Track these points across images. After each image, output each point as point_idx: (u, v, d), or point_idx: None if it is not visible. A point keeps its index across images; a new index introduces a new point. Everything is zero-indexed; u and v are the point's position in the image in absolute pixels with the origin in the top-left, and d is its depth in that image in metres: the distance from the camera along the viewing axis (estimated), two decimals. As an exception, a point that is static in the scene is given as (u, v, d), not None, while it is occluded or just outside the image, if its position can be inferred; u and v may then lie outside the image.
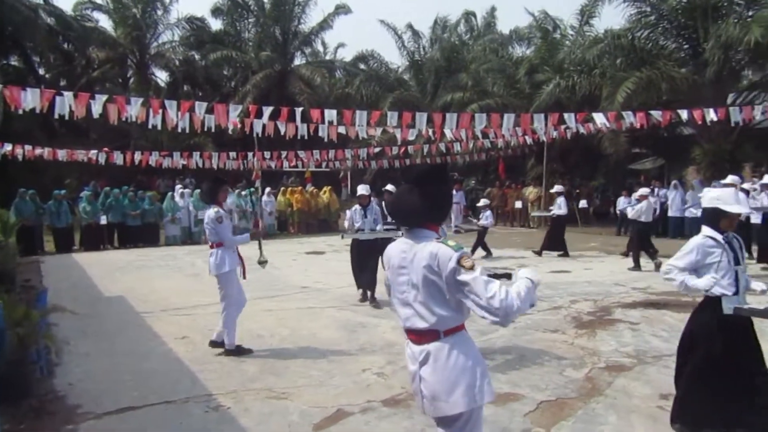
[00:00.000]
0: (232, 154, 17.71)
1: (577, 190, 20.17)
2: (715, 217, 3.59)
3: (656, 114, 11.46)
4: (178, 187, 18.27)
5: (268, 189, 18.66)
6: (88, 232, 14.91)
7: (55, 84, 22.34)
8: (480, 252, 12.16)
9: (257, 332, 6.37)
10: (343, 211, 17.56)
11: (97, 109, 8.30)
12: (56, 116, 8.26)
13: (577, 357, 5.33)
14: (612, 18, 36.52)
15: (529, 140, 16.45)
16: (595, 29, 20.60)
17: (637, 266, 10.38)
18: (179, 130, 10.47)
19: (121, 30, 26.14)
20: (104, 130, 20.20)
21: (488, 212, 12.34)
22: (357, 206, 8.12)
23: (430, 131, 13.25)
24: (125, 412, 4.22)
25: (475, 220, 12.71)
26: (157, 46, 27.25)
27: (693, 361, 3.61)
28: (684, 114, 11.20)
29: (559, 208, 12.41)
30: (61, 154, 15.05)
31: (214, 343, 5.61)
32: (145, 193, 16.58)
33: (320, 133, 11.43)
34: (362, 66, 29.71)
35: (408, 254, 2.37)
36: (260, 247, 5.88)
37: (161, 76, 28.91)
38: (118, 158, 15.83)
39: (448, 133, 12.92)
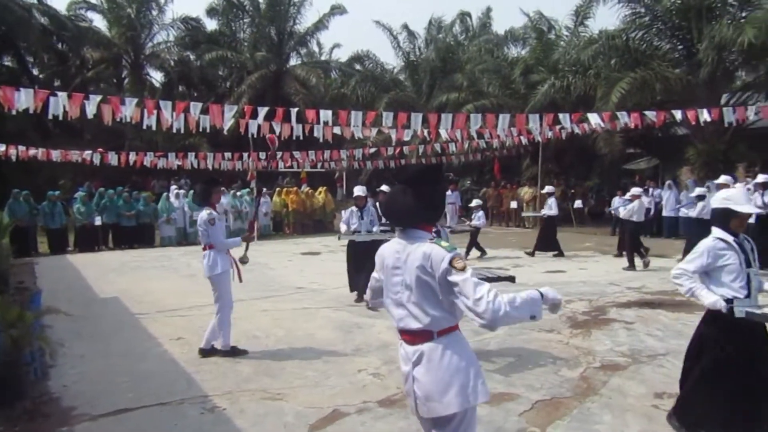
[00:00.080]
0: (228, 154, 17.68)
1: (572, 190, 20.22)
2: (725, 217, 3.51)
3: (650, 114, 11.53)
4: (173, 187, 18.22)
5: (264, 189, 18.64)
6: (83, 233, 14.84)
7: (49, 84, 22.24)
8: (475, 252, 12.17)
9: (252, 333, 6.36)
10: (338, 212, 17.56)
11: (91, 110, 8.27)
12: (50, 116, 8.23)
13: (572, 356, 5.35)
14: (606, 19, 36.79)
15: (524, 140, 16.51)
16: (590, 30, 20.72)
17: (631, 266, 10.43)
18: (174, 130, 10.43)
19: (115, 30, 26.03)
20: (99, 131, 20.13)
21: (480, 212, 12.35)
22: (353, 207, 8.09)
23: (426, 132, 13.28)
24: (120, 414, 4.21)
25: (467, 221, 12.71)
26: (152, 46, 27.15)
27: (701, 363, 3.55)
28: (678, 114, 11.26)
29: (550, 208, 12.46)
30: (55, 155, 14.99)
31: (204, 352, 5.55)
32: (140, 194, 16.51)
33: (315, 134, 11.43)
34: (358, 66, 29.72)
35: (402, 255, 2.37)
36: (246, 247, 5.82)
37: (156, 77, 28.88)
38: (112, 159, 15.78)
39: (444, 134, 12.93)
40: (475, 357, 2.42)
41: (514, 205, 19.91)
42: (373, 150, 19.21)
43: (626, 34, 16.88)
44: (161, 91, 26.63)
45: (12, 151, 13.97)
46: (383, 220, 7.94)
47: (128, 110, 8.78)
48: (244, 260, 5.76)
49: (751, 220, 10.35)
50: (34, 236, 14.39)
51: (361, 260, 7.71)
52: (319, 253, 13.84)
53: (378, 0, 50.13)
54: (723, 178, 10.98)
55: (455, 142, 17.25)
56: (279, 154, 17.69)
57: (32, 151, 14.60)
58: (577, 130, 14.04)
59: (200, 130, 10.47)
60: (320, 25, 28.47)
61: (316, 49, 32.51)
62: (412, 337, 2.37)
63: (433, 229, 4.99)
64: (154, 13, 26.75)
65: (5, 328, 4.26)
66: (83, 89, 19.41)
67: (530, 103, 18.81)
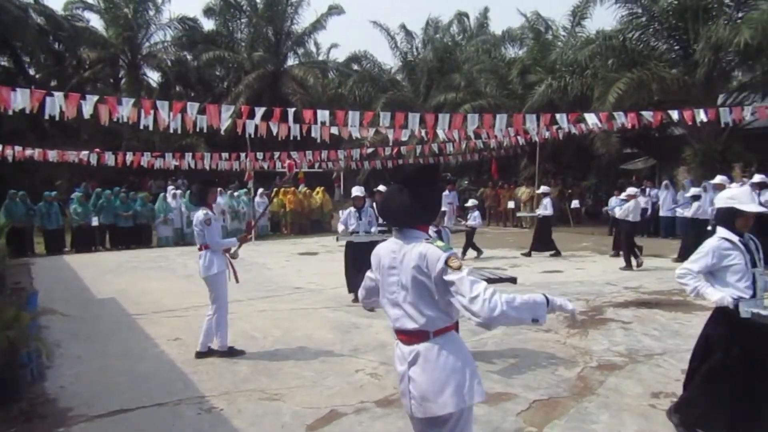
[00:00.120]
0: (225, 154, 17.65)
1: (570, 190, 20.26)
2: (730, 217, 3.46)
3: (647, 114, 11.55)
4: (170, 188, 18.18)
5: (260, 190, 18.63)
6: (80, 233, 14.81)
7: (45, 84, 22.14)
8: (471, 253, 12.17)
9: (250, 333, 6.36)
10: (336, 212, 17.55)
11: (88, 110, 8.24)
12: (47, 117, 8.20)
13: (570, 356, 5.36)
14: (603, 19, 36.82)
15: (521, 140, 16.53)
16: (587, 30, 20.76)
17: (628, 266, 10.45)
18: (171, 130, 10.42)
19: (112, 30, 25.97)
20: (95, 131, 20.06)
21: (476, 212, 12.34)
22: (351, 208, 8.07)
23: (423, 132, 13.27)
24: (117, 415, 4.20)
25: (463, 221, 12.70)
26: (149, 46, 27.11)
27: (708, 363, 3.50)
28: (675, 114, 11.29)
29: (545, 208, 12.49)
30: (52, 155, 14.95)
31: (200, 354, 5.53)
32: (137, 194, 16.49)
33: (313, 134, 11.42)
34: (355, 66, 29.72)
35: (398, 255, 2.37)
36: (239, 245, 5.79)
37: (153, 77, 28.85)
38: (109, 159, 15.73)
39: (441, 134, 12.93)
40: (471, 357, 2.42)
41: (511, 205, 19.94)
42: (370, 150, 19.19)
43: (623, 35, 16.92)
44: (158, 91, 26.60)
45: (8, 152, 13.91)
46: (380, 220, 7.94)
47: (125, 110, 8.75)
48: (234, 255, 5.73)
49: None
50: (30, 237, 14.34)
51: (359, 261, 7.69)
52: (317, 254, 13.83)
53: (376, 0, 50.15)
54: (719, 179, 11.02)
55: (453, 142, 17.25)
56: (276, 154, 17.68)
57: (29, 152, 14.56)
58: (574, 131, 14.07)
59: (197, 130, 10.43)
60: (318, 25, 28.48)
61: (313, 49, 32.52)
62: (408, 337, 2.37)
63: (434, 230, 5.01)
64: (151, 13, 26.77)
65: (2, 329, 4.24)
66: (80, 89, 19.36)
67: (527, 103, 18.83)
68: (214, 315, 5.52)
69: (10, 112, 7.91)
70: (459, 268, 2.20)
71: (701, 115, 10.86)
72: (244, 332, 6.31)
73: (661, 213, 15.48)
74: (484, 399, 2.44)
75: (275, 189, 16.69)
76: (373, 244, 2.62)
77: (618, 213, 11.14)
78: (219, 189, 16.20)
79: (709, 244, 3.48)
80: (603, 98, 15.58)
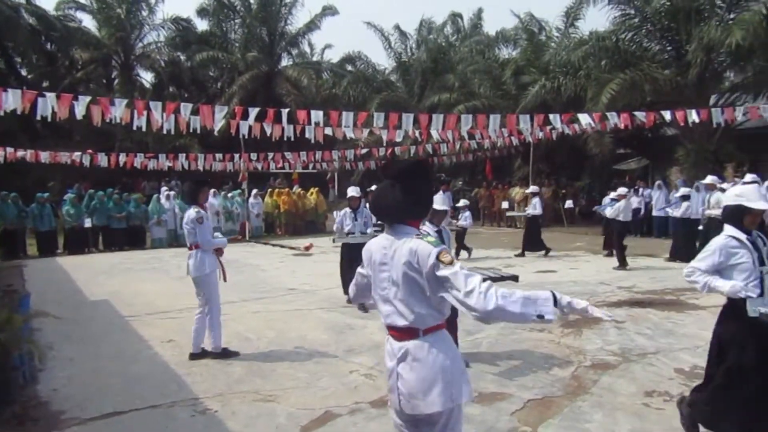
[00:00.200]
0: (218, 155, 17.61)
1: (563, 191, 20.33)
2: (738, 214, 3.39)
3: (640, 115, 11.64)
4: (163, 189, 18.12)
5: (255, 191, 18.61)
6: (72, 235, 14.72)
7: (37, 85, 21.99)
8: (464, 254, 12.18)
9: (244, 334, 6.34)
10: (330, 213, 17.54)
11: (80, 111, 8.22)
12: (39, 117, 8.17)
13: (564, 356, 5.38)
14: (596, 20, 36.97)
15: (515, 141, 16.61)
16: (580, 31, 20.87)
17: (622, 265, 10.49)
18: (164, 131, 10.39)
19: (105, 30, 25.85)
20: (88, 132, 19.96)
21: (467, 213, 12.33)
22: (347, 209, 8.05)
23: (417, 132, 13.30)
24: (110, 418, 4.18)
25: (454, 221, 12.70)
26: (142, 46, 27.01)
27: (725, 365, 3.40)
28: (667, 115, 11.38)
29: (534, 208, 12.54)
30: (44, 156, 14.89)
31: (194, 356, 5.50)
32: (131, 196, 16.41)
33: (307, 135, 11.42)
34: (349, 67, 29.71)
35: (389, 251, 2.36)
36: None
37: (146, 78, 28.75)
38: (102, 160, 15.68)
39: (435, 134, 12.96)
40: (460, 357, 2.42)
41: (505, 205, 19.99)
42: (364, 151, 19.21)
43: (616, 36, 17.01)
44: (151, 91, 26.50)
45: (0, 153, 13.83)
46: (374, 219, 7.92)
47: (118, 111, 8.74)
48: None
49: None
50: (23, 238, 14.26)
51: (355, 262, 7.64)
52: (311, 254, 13.81)
53: (370, 1, 50.17)
54: (709, 179, 11.10)
55: (447, 143, 17.29)
56: (270, 155, 17.67)
57: (21, 153, 14.49)
58: (567, 131, 14.16)
59: (191, 131, 10.44)
60: (312, 25, 28.47)
61: (307, 49, 32.53)
62: (398, 333, 2.36)
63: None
64: (145, 13, 26.70)
65: (-7, 331, 4.22)
66: (72, 90, 19.23)
67: (521, 103, 18.89)
68: (207, 315, 5.50)
69: (2, 113, 7.87)
70: (451, 263, 2.18)
71: (693, 116, 10.96)
72: (238, 333, 6.30)
73: (654, 213, 15.57)
74: (472, 399, 2.43)
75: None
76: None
77: (609, 212, 11.19)
78: (213, 190, 16.23)
79: (716, 242, 3.41)
80: (596, 99, 15.66)
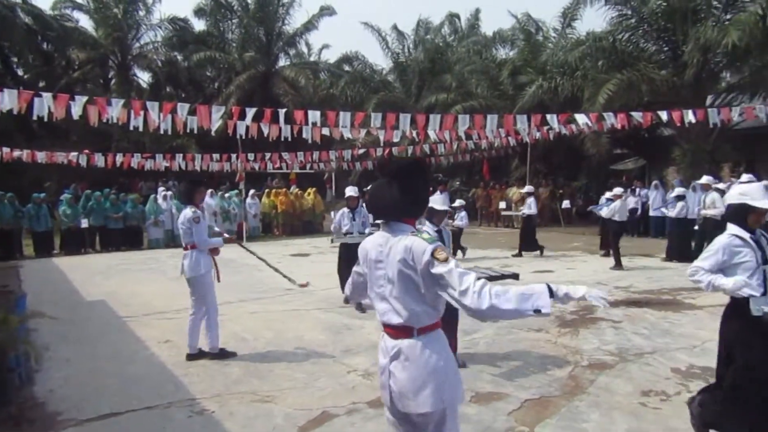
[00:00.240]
0: (216, 155, 17.58)
1: (561, 191, 20.36)
2: (741, 213, 3.38)
3: (637, 115, 11.65)
4: (160, 189, 18.07)
5: (252, 191, 18.58)
6: (69, 235, 14.68)
7: (33, 85, 21.96)
8: (459, 254, 12.18)
9: (241, 335, 6.33)
10: (328, 213, 17.53)
11: (77, 111, 8.19)
12: (35, 118, 8.14)
13: (561, 355, 5.39)
14: (593, 21, 37.07)
15: (512, 141, 16.60)
16: (577, 32, 20.90)
17: (618, 265, 10.52)
18: (161, 131, 10.36)
19: (102, 30, 25.77)
20: (85, 132, 19.91)
21: (463, 213, 12.32)
22: (345, 209, 8.05)
23: (414, 132, 13.30)
24: (107, 418, 4.17)
25: (450, 221, 12.68)
26: (139, 46, 26.94)
27: (733, 367, 3.38)
28: (664, 115, 11.38)
29: (529, 208, 12.58)
30: (41, 157, 14.82)
31: (191, 357, 5.49)
32: (127, 196, 16.36)
33: (304, 135, 11.41)
34: (347, 67, 29.70)
35: (384, 248, 2.37)
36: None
37: (143, 77, 28.66)
38: (99, 160, 15.62)
39: (432, 135, 12.96)
40: (453, 358, 2.42)
41: (503, 205, 20.01)
42: (362, 151, 19.20)
43: (613, 36, 17.05)
44: (148, 91, 26.42)
45: (-4, 153, 13.80)
46: (372, 219, 7.92)
47: (115, 111, 8.70)
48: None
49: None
50: (19, 239, 14.21)
51: (352, 262, 7.63)
52: (309, 255, 13.80)
53: (367, 1, 50.16)
54: (705, 179, 11.14)
55: (444, 143, 17.28)
56: (268, 155, 17.64)
57: (17, 153, 14.42)
58: (564, 131, 14.17)
59: (188, 131, 10.39)
60: (309, 25, 28.44)
61: (305, 49, 32.48)
62: (393, 331, 2.36)
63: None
64: (142, 13, 26.63)
65: (-11, 332, 4.21)
66: (69, 90, 19.19)
67: (518, 103, 18.92)
68: (204, 317, 5.49)
69: (-2, 113, 7.84)
70: (446, 260, 2.18)
71: (690, 116, 10.97)
72: (235, 334, 6.29)
73: (651, 213, 15.61)
74: (462, 401, 2.43)
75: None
76: (367, 245, 2.62)
77: (604, 213, 11.22)
78: (210, 190, 16.20)
79: (720, 241, 3.40)
80: (593, 99, 15.70)
